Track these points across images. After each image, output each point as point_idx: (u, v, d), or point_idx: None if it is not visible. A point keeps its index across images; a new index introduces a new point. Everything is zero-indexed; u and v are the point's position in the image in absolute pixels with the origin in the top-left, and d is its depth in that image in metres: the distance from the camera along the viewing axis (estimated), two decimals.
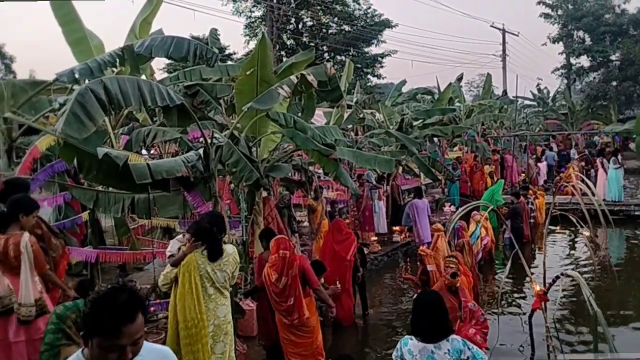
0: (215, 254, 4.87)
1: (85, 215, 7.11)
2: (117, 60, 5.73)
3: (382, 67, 33.58)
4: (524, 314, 7.82)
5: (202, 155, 6.08)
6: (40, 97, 6.80)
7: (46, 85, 6.17)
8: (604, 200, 15.29)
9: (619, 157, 16.71)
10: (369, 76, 33.23)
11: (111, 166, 5.18)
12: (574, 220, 5.78)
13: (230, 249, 5.02)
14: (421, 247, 8.46)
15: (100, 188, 6.33)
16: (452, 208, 15.55)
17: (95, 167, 5.27)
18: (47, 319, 4.49)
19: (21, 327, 4.46)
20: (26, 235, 4.50)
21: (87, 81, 5.12)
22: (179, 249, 5.29)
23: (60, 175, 6.67)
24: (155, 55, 5.97)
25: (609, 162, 16.15)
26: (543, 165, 21.20)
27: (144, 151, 9.11)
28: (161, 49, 5.91)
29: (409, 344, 3.35)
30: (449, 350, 3.29)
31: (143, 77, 7.13)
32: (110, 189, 6.10)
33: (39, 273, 4.57)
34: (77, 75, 5.28)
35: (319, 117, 13.41)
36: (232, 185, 8.83)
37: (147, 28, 7.89)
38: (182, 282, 4.85)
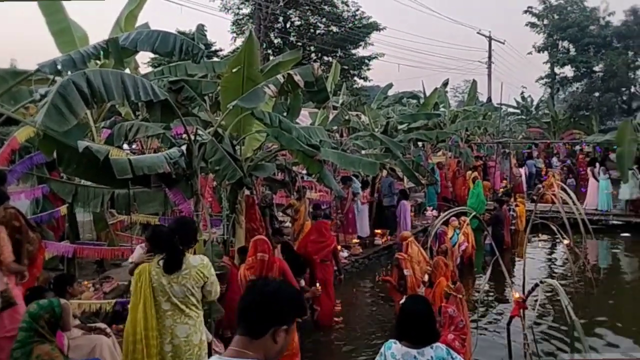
0: (170, 266, 4.28)
1: (63, 209, 6.98)
2: (101, 52, 5.65)
3: (368, 69, 33.64)
4: (502, 321, 7.90)
5: (185, 152, 6.00)
6: (21, 87, 6.68)
7: (27, 75, 6.05)
8: (595, 209, 15.54)
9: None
10: (355, 78, 33.25)
11: (91, 160, 5.10)
12: (555, 229, 5.82)
13: (195, 261, 4.34)
14: (398, 252, 8.48)
15: (79, 182, 6.21)
16: (434, 212, 15.64)
17: (75, 160, 5.18)
18: (13, 316, 4.38)
19: None
20: None
21: (69, 73, 5.02)
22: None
23: (39, 168, 6.53)
24: (140, 49, 5.89)
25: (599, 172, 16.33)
26: (524, 172, 21.43)
27: (125, 146, 8.98)
28: (147, 43, 5.84)
29: (393, 348, 3.33)
30: (432, 357, 3.26)
31: (127, 70, 7.02)
32: (90, 183, 5.99)
33: (2, 263, 4.42)
34: (59, 67, 5.19)
35: (304, 117, 13.38)
36: (215, 183, 8.76)
37: (133, 21, 7.79)
38: (134, 293, 4.42)
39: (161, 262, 4.32)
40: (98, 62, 6.53)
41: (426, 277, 8.32)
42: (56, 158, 5.19)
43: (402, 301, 3.82)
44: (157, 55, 24.21)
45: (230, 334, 6.25)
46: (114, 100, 4.97)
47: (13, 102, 6.43)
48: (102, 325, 5.63)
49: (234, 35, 32.20)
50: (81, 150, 4.86)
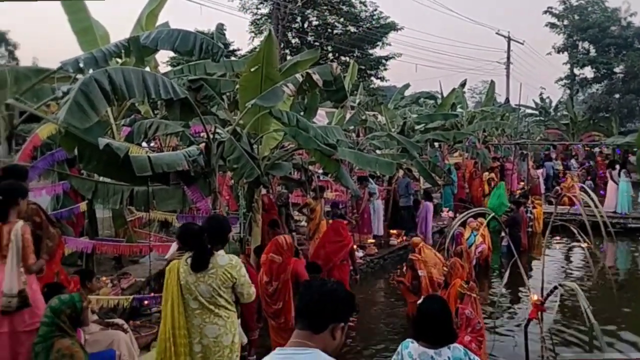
0: (197, 264, 4.23)
1: (83, 206, 7.07)
2: (123, 51, 5.70)
3: (385, 69, 33.56)
4: (519, 323, 7.83)
5: (203, 150, 6.05)
6: (43, 85, 6.76)
7: (50, 73, 6.12)
8: (614, 212, 15.32)
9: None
10: (372, 78, 33.19)
11: (112, 157, 5.15)
12: (575, 231, 5.75)
13: (223, 261, 4.26)
14: (412, 254, 8.46)
15: (99, 179, 6.29)
16: (450, 213, 15.55)
17: (95, 157, 5.23)
18: (34, 312, 4.42)
19: (5, 318, 4.33)
20: (19, 223, 4.43)
21: (91, 71, 5.09)
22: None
23: (60, 164, 6.62)
24: (160, 48, 5.94)
25: (619, 175, 16.12)
26: (541, 174, 21.23)
27: (144, 144, 9.06)
28: (167, 42, 5.88)
29: (410, 347, 3.32)
30: (449, 357, 3.25)
31: (147, 69, 7.09)
32: (110, 180, 6.06)
33: (23, 265, 4.44)
34: (81, 65, 5.26)
35: (321, 117, 13.39)
36: (232, 182, 8.80)
37: (153, 20, 7.85)
38: (164, 290, 4.42)
39: (189, 260, 4.29)
40: (119, 60, 6.59)
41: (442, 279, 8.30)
42: (77, 155, 5.26)
43: (419, 301, 3.80)
44: (175, 55, 24.40)
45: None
46: (135, 98, 5.03)
47: (35, 99, 6.50)
48: (120, 321, 5.69)
49: (252, 35, 32.35)
50: (102, 147, 4.92)
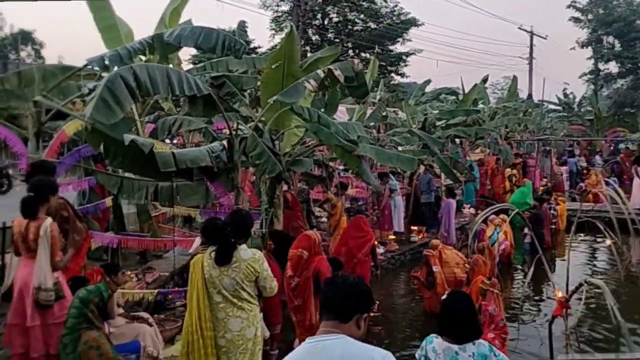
0: (220, 258, 4.28)
1: (108, 201, 7.18)
2: (147, 48, 5.76)
3: (406, 65, 33.40)
4: (543, 320, 7.75)
5: (226, 146, 6.10)
6: (69, 82, 6.89)
7: (76, 70, 6.24)
8: (638, 209, 15.00)
9: None
10: (392, 74, 33.06)
11: (137, 153, 5.24)
12: (602, 228, 5.66)
13: (246, 255, 4.30)
14: (426, 250, 8.44)
15: (124, 174, 6.38)
16: (472, 210, 15.41)
17: (121, 153, 5.32)
18: (62, 304, 4.53)
19: (37, 311, 4.46)
20: (48, 220, 4.54)
21: (116, 68, 5.17)
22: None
23: (86, 160, 6.74)
24: (184, 45, 5.99)
25: None
26: (565, 170, 20.90)
27: (167, 140, 9.17)
28: (190, 39, 5.93)
29: (434, 342, 3.31)
30: (473, 353, 3.23)
31: (170, 66, 7.16)
32: (135, 175, 6.15)
33: (50, 261, 4.56)
34: (107, 62, 5.32)
35: (342, 113, 13.38)
36: (253, 178, 8.86)
37: (176, 18, 7.94)
38: (189, 283, 4.48)
39: (213, 254, 4.32)
40: (143, 57, 6.68)
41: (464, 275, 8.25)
42: (103, 151, 5.35)
43: (443, 297, 3.77)
44: (197, 53, 24.53)
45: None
46: (159, 94, 5.08)
47: (62, 96, 6.64)
48: (145, 315, 5.78)
49: (273, 32, 32.47)
50: (127, 143, 4.99)
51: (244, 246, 4.40)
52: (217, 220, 4.90)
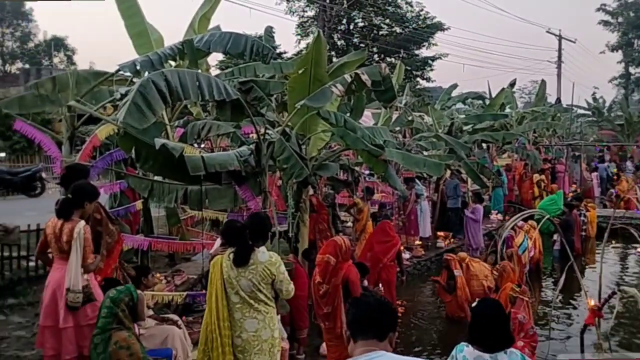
0: (238, 260, 4.34)
1: (139, 204, 7.30)
2: (177, 54, 5.86)
3: (432, 70, 33.20)
4: (574, 330, 7.60)
5: (254, 150, 6.14)
6: (101, 87, 7.04)
7: (108, 76, 6.37)
8: None
9: None
10: (418, 79, 32.90)
11: (167, 157, 5.31)
12: (636, 235, 5.54)
13: (263, 257, 4.34)
14: (447, 254, 8.39)
15: (155, 178, 6.48)
16: (499, 216, 15.22)
17: (152, 157, 5.41)
18: (95, 306, 4.59)
19: (69, 313, 4.49)
20: (82, 223, 4.60)
21: (147, 73, 5.26)
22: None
23: (117, 164, 6.86)
24: (213, 51, 6.08)
25: None
26: (595, 176, 20.50)
27: (194, 145, 9.29)
28: (219, 45, 6.02)
29: (465, 351, 3.25)
30: None
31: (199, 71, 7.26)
32: (165, 179, 6.24)
33: (82, 264, 4.60)
34: (138, 67, 5.44)
35: (367, 118, 13.36)
36: (280, 182, 8.90)
37: (205, 24, 8.04)
38: (209, 283, 4.57)
39: (231, 255, 4.39)
40: (173, 63, 6.79)
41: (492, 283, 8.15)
42: (134, 154, 5.44)
43: (473, 304, 3.72)
44: (224, 59, 24.74)
45: (291, 331, 6.28)
46: (189, 99, 5.15)
47: (94, 101, 6.78)
48: (174, 317, 5.84)
49: (299, 37, 32.64)
50: (158, 147, 5.07)
51: (262, 248, 4.46)
52: (236, 222, 4.98)
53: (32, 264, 7.85)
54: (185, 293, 6.34)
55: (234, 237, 4.57)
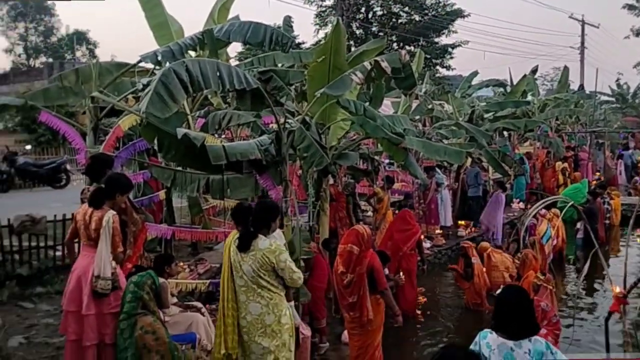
0: (240, 245, 4.39)
1: (162, 194, 7.39)
2: (198, 44, 5.89)
3: (452, 58, 32.83)
4: (598, 316, 7.51)
5: (274, 140, 6.16)
6: (123, 79, 7.13)
7: (130, 67, 6.44)
8: None
9: None
10: (437, 67, 32.55)
11: (189, 147, 5.35)
12: None
13: (263, 245, 4.34)
14: (464, 241, 8.35)
15: (177, 168, 6.55)
16: (521, 205, 15.06)
17: (174, 147, 5.45)
18: (117, 295, 4.62)
19: (93, 300, 4.54)
20: (111, 212, 4.66)
21: (168, 63, 5.30)
22: None
23: (140, 155, 6.95)
24: (233, 40, 6.10)
25: None
26: (620, 164, 20.12)
27: (215, 135, 9.35)
28: (239, 34, 6.03)
29: (488, 338, 3.23)
30: (529, 350, 3.14)
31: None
32: (187, 169, 6.30)
33: (112, 253, 4.66)
34: (159, 57, 5.48)
35: (386, 107, 13.27)
36: (300, 172, 8.92)
37: (225, 14, 8.07)
38: (223, 263, 4.73)
39: (237, 239, 4.46)
40: (193, 53, 6.83)
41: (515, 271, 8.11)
42: (157, 144, 5.50)
43: (498, 292, 3.70)
44: (243, 50, 24.72)
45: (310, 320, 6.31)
46: (210, 89, 5.18)
47: (116, 93, 6.87)
48: (199, 305, 5.93)
49: (317, 27, 32.51)
50: (180, 136, 5.12)
51: (277, 232, 4.53)
52: (245, 205, 5.03)
53: (58, 253, 8.01)
54: (208, 281, 6.42)
55: (241, 219, 4.66)
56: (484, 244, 8.96)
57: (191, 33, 6.40)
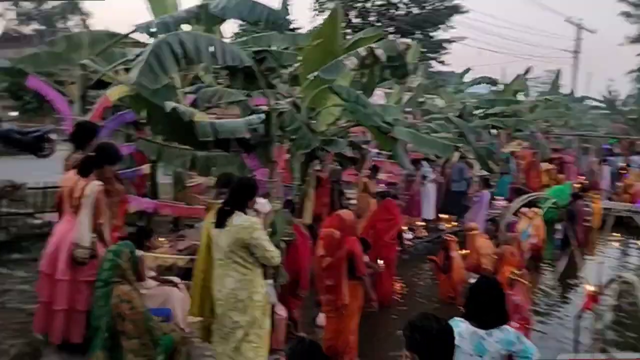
0: (217, 221, 4.41)
1: (146, 168, 7.34)
2: (193, 18, 5.84)
3: (446, 53, 32.86)
4: (570, 316, 7.63)
5: (264, 119, 6.15)
6: (114, 50, 7.03)
7: (123, 36, 6.37)
8: None
9: None
10: (432, 62, 32.56)
11: (177, 121, 5.33)
12: None
13: (237, 221, 4.31)
14: (446, 235, 8.42)
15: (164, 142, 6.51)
16: (504, 202, 15.16)
17: (162, 120, 5.44)
18: (93, 264, 4.61)
19: (69, 266, 4.54)
20: (96, 182, 4.65)
21: (161, 36, 5.25)
22: None
23: (127, 127, 6.89)
24: (229, 17, 6.05)
25: None
26: (606, 169, 20.32)
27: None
28: (235, 11, 5.98)
29: (461, 326, 3.25)
30: (500, 339, 3.21)
31: None
32: (174, 144, 6.27)
33: (94, 222, 4.65)
34: (153, 29, 5.43)
35: (379, 97, 13.26)
36: (287, 156, 8.91)
37: None
38: (203, 233, 4.87)
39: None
40: (188, 27, 6.75)
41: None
42: (146, 117, 5.47)
43: (471, 281, 3.76)
44: (239, 32, 24.49)
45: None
46: (203, 63, 5.15)
47: (107, 63, 6.78)
48: (176, 279, 5.91)
49: (315, 13, 32.31)
50: (168, 110, 5.10)
51: (268, 206, 4.68)
52: (230, 176, 5.04)
53: (37, 221, 7.95)
54: (188, 257, 6.41)
55: (224, 187, 4.72)
56: (473, 224, 8.98)
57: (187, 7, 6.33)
